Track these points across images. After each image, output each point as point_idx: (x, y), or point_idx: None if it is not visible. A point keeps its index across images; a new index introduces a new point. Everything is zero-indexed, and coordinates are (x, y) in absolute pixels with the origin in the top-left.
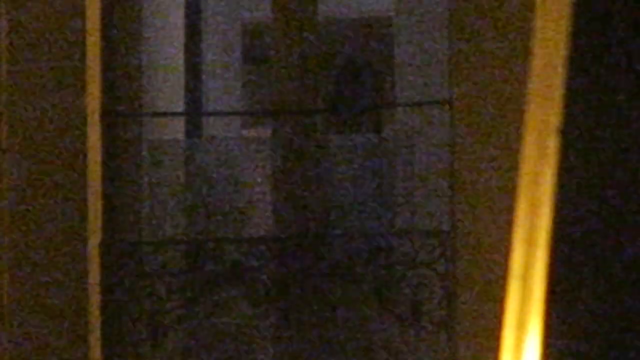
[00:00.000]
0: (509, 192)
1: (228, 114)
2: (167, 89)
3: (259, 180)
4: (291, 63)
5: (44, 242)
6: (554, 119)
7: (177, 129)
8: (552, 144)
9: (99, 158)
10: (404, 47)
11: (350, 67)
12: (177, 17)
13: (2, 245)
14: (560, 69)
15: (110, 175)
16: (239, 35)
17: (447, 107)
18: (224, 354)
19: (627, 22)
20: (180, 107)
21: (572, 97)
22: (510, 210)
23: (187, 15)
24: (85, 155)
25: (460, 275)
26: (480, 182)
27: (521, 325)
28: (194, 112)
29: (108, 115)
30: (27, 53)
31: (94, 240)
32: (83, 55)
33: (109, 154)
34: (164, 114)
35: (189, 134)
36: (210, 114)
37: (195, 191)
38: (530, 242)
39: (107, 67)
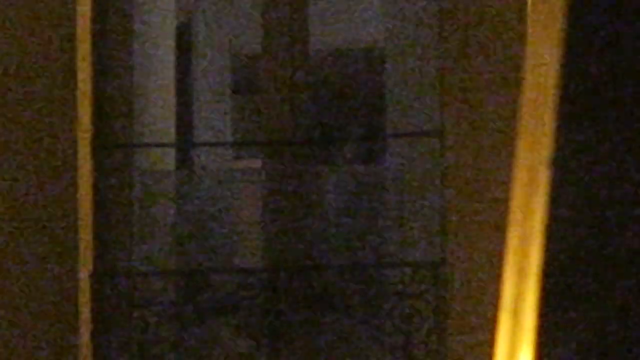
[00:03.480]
0: (500, 224)
1: (219, 144)
2: (157, 120)
3: (250, 210)
4: (282, 94)
5: (35, 272)
6: (545, 150)
7: (167, 159)
8: (543, 175)
9: (89, 188)
10: (394, 78)
11: (341, 98)
12: (168, 48)
13: None
14: (551, 100)
15: (101, 206)
16: (229, 66)
17: (437, 137)
18: None
19: (622, 52)
20: (170, 138)
21: (564, 128)
22: (501, 241)
23: (177, 46)
24: (76, 186)
25: (451, 306)
26: (471, 214)
27: (512, 357)
28: (185, 143)
29: (99, 146)
30: (17, 83)
31: (85, 270)
32: (74, 86)
33: (100, 185)
34: (155, 145)
35: (179, 164)
36: (201, 145)
37: (186, 222)
38: (521, 274)
39: (98, 98)
